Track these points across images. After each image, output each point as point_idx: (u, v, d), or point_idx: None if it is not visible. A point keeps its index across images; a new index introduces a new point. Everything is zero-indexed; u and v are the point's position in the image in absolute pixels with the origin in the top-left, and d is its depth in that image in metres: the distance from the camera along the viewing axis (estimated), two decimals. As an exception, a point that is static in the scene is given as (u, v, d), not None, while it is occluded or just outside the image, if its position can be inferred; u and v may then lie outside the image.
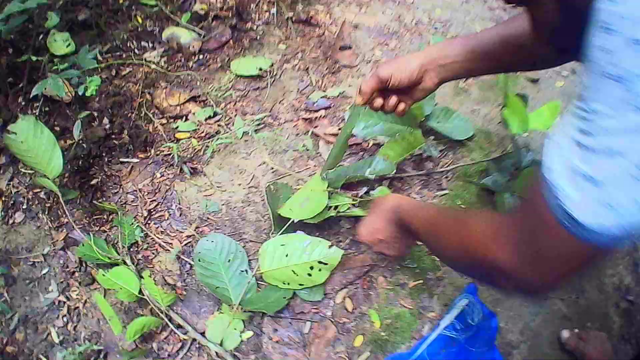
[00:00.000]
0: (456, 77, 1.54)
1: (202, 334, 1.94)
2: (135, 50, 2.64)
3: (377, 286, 2.02)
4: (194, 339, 1.94)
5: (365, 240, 1.70)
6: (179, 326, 1.97)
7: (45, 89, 2.31)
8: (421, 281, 2.04)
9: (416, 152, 2.23)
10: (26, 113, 2.43)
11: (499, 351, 1.95)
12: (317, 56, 2.68)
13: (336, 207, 1.98)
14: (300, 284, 1.93)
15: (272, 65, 2.61)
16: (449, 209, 1.43)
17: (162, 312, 1.98)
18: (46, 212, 2.27)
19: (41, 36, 2.64)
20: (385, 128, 2.21)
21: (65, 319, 2.08)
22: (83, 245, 2.12)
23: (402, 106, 1.59)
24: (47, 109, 2.50)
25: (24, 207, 2.29)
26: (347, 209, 2.02)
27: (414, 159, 2.28)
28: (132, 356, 1.91)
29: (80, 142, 2.35)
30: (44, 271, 2.17)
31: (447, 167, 2.29)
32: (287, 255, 1.93)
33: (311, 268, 1.91)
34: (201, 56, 2.66)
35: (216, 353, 1.89)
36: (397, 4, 3.04)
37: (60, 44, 2.60)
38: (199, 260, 1.99)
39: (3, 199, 2.31)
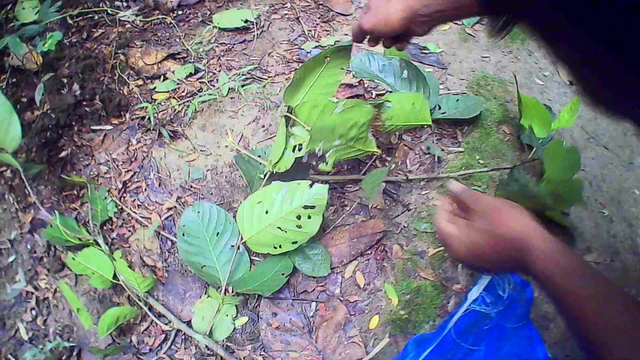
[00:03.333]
0: (447, 22, 1.33)
1: (188, 323, 1.42)
2: (109, 11, 2.07)
3: (391, 256, 1.48)
4: (179, 330, 1.40)
5: (461, 261, 1.05)
6: (160, 315, 1.44)
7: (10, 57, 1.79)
8: (442, 248, 1.50)
9: (419, 150, 1.69)
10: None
11: (534, 326, 1.45)
12: (308, 5, 2.11)
13: (300, 147, 1.40)
14: (293, 242, 1.39)
15: (259, 16, 2.04)
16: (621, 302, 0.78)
17: (140, 300, 1.44)
18: (12, 192, 1.73)
19: (9, 6, 2.09)
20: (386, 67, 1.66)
21: (34, 312, 1.56)
22: (51, 226, 1.59)
23: (399, 45, 1.28)
24: (14, 80, 1.94)
25: (-13, 186, 1.74)
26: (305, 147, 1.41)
27: (415, 157, 1.71)
28: (106, 353, 1.37)
29: (48, 111, 1.80)
30: (11, 259, 1.64)
31: (454, 170, 1.68)
32: (267, 212, 1.39)
33: (298, 217, 1.37)
34: (180, 12, 2.09)
35: (205, 345, 1.36)
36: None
37: (28, 11, 2.05)
38: (183, 235, 1.46)
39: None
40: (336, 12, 2.08)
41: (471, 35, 2.10)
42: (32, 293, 1.58)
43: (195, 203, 1.52)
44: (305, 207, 1.35)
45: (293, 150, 1.39)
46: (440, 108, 1.76)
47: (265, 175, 1.45)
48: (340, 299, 1.41)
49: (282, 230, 1.37)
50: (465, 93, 1.88)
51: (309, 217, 1.36)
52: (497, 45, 2.09)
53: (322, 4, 2.10)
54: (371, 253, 1.47)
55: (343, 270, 1.45)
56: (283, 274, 1.40)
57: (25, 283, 1.60)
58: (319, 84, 1.40)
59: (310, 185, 1.36)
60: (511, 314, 1.47)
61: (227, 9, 2.07)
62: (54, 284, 1.57)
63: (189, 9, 2.09)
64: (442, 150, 1.71)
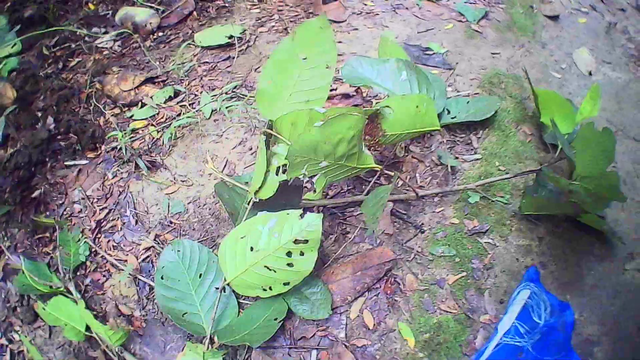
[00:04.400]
0: None
1: (169, 382, 1.16)
2: (86, 38, 1.88)
3: (405, 288, 1.22)
4: (157, 392, 1.15)
5: None
6: (136, 374, 1.19)
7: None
8: (464, 273, 1.25)
9: (429, 161, 1.44)
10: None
11: (576, 354, 1.21)
12: (297, 14, 1.89)
13: (285, 168, 1.13)
14: (285, 283, 1.14)
15: (244, 31, 1.82)
16: None
17: (114, 354, 1.20)
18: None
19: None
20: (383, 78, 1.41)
21: (7, 369, 1.33)
22: (23, 273, 1.36)
23: None
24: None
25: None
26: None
27: (426, 169, 1.45)
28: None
29: (21, 149, 1.59)
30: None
31: (471, 181, 1.42)
32: (252, 249, 1.13)
33: (289, 254, 1.12)
34: (161, 33, 1.89)
35: (188, 410, 1.10)
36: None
37: (4, 45, 1.87)
38: (162, 278, 1.22)
39: None
40: (329, 20, 1.84)
41: (478, 31, 1.85)
42: (7, 346, 1.35)
43: (175, 241, 1.28)
44: (297, 241, 1.10)
45: (277, 173, 1.14)
46: (449, 112, 1.50)
47: (249, 205, 1.21)
48: (345, 344, 1.14)
49: (270, 269, 1.12)
50: (477, 94, 1.62)
51: (302, 254, 1.10)
52: (507, 40, 1.84)
53: (312, 13, 1.87)
54: (380, 287, 1.21)
55: (348, 309, 1.19)
56: (276, 319, 1.14)
57: (0, 335, 1.37)
58: (301, 90, 1.16)
59: (302, 216, 1.11)
60: (550, 343, 1.22)
61: (210, 26, 1.85)
62: (28, 335, 1.34)
63: (170, 29, 1.89)
64: (456, 158, 1.45)
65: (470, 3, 1.93)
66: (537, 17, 2.03)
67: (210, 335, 1.15)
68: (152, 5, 1.93)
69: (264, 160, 1.12)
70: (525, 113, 1.61)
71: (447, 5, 1.92)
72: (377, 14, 1.88)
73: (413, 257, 1.26)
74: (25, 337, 1.31)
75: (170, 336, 1.23)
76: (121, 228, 1.40)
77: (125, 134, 1.53)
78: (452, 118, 1.49)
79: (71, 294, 1.31)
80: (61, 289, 1.32)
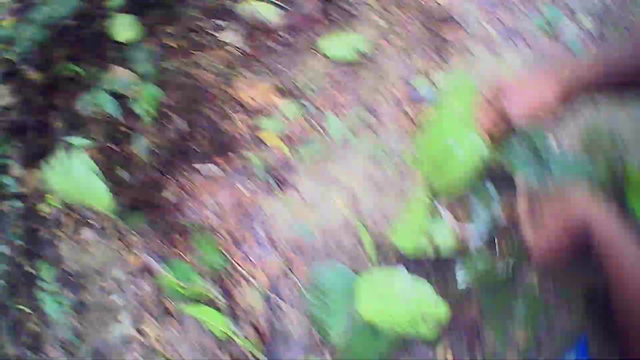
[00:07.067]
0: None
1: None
2: (208, 31, 1.88)
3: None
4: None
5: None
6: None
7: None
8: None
9: None
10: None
11: None
12: (418, 31, 1.84)
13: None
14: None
15: (368, 43, 1.81)
16: None
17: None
18: (115, 229, 1.62)
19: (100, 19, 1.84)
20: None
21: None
22: (162, 271, 1.48)
23: None
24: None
25: (94, 223, 1.63)
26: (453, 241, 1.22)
27: None
28: None
29: (155, 148, 1.65)
30: (115, 298, 1.55)
31: None
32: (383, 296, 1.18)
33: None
34: (286, 34, 1.87)
35: None
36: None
37: (124, 28, 1.82)
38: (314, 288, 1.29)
39: (72, 213, 1.65)
40: (449, 41, 1.81)
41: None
42: (137, 338, 1.49)
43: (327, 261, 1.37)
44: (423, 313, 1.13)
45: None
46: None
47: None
48: None
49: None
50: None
51: (425, 321, 1.13)
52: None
53: (432, 30, 1.82)
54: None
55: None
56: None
57: (131, 326, 1.51)
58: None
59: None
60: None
61: (336, 34, 1.81)
62: (159, 331, 1.47)
63: (294, 31, 1.86)
64: None
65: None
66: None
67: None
68: (277, 2, 1.89)
69: (417, 222, 1.16)
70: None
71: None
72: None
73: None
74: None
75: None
76: (252, 243, 1.49)
77: (254, 144, 1.58)
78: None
79: (215, 300, 1.41)
80: (202, 292, 1.42)
